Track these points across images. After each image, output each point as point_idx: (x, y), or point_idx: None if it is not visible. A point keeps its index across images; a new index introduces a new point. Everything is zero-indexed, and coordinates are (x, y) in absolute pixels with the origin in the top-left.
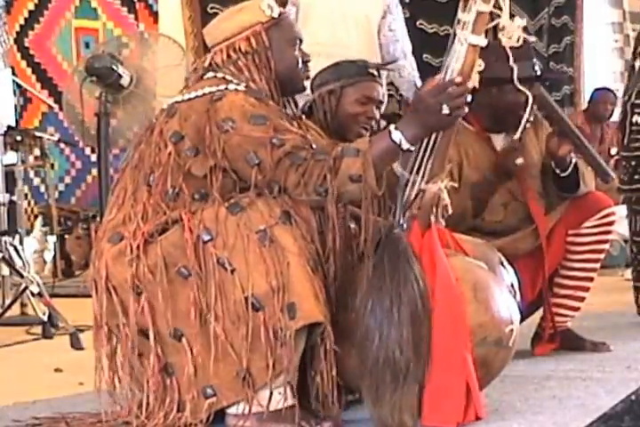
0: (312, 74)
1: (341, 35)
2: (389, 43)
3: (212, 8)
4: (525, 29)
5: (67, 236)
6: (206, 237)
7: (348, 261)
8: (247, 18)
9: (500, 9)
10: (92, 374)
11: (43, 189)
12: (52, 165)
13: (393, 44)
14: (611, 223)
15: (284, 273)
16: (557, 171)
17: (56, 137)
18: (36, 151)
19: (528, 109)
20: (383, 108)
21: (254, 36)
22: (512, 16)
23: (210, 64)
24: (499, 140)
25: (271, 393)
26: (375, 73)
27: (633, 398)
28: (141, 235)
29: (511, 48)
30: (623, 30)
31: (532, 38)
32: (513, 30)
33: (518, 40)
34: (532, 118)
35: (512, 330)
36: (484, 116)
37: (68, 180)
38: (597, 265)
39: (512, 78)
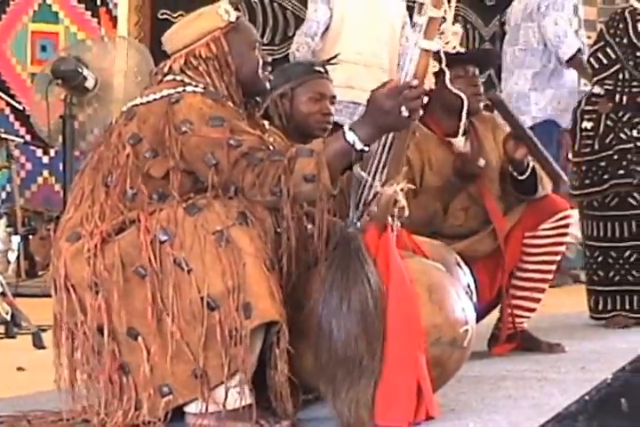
0: (355, 83)
1: (375, 44)
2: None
3: (162, 13)
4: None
5: (31, 236)
6: (163, 238)
7: (303, 261)
8: (206, 24)
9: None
10: (54, 372)
11: None
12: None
13: None
14: (567, 226)
15: (239, 273)
16: (515, 174)
17: (22, 139)
18: None
19: (464, 108)
20: None
21: (214, 41)
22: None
23: (169, 70)
24: (459, 145)
25: (227, 392)
26: (322, 70)
27: (587, 398)
28: (99, 234)
29: None
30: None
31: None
32: (451, 37)
33: (454, 47)
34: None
35: (467, 330)
36: (440, 119)
37: (17, 181)
38: (553, 267)
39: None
